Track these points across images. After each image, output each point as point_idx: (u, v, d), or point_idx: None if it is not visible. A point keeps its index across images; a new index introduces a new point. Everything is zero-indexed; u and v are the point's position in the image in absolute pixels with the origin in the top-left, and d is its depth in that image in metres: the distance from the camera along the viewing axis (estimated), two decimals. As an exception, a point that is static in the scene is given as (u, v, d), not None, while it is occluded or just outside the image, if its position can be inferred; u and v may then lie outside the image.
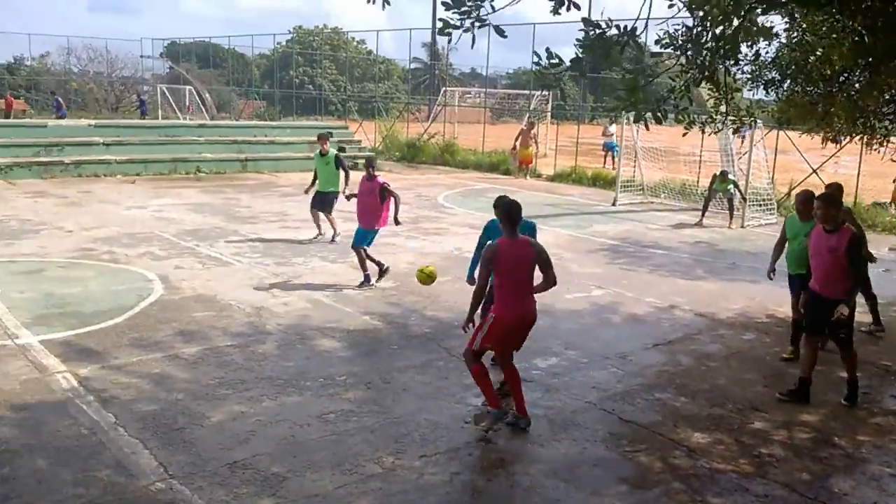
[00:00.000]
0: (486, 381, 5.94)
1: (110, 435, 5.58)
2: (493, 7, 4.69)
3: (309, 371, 7.03)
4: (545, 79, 5.13)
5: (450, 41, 4.78)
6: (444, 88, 38.44)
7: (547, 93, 32.18)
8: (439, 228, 14.58)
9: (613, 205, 18.58)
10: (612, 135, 26.48)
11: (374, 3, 5.03)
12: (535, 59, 5.07)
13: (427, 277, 7.97)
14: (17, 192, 17.49)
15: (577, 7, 5.02)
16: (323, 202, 12.67)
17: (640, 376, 7.32)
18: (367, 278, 9.96)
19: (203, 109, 38.10)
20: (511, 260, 5.71)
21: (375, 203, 9.90)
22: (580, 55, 5.06)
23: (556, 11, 5.05)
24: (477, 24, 4.79)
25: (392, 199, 9.93)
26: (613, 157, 25.31)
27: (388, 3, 4.98)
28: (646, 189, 19.92)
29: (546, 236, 14.07)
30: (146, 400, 6.22)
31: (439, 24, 4.83)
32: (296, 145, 25.80)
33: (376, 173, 10.26)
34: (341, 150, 25.43)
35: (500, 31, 4.89)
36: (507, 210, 5.79)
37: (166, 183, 19.97)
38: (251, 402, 6.29)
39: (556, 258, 11.96)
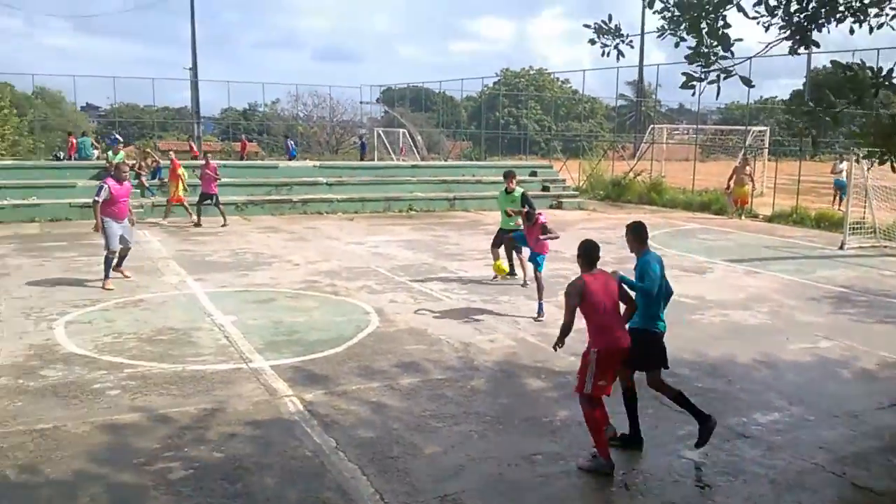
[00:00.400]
0: (600, 428, 5.80)
1: (331, 459, 5.91)
2: (732, 53, 4.55)
3: (516, 410, 7.06)
4: (815, 123, 4.87)
5: (693, 93, 4.66)
6: (651, 126, 37.66)
7: (764, 128, 30.60)
8: (647, 269, 14.17)
9: (841, 248, 17.14)
10: (841, 171, 24.52)
11: (608, 55, 5.07)
12: (798, 103, 4.86)
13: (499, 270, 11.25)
14: (251, 227, 19.23)
15: (816, 45, 4.75)
16: (513, 241, 12.42)
17: (876, 438, 6.64)
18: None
19: (415, 150, 40.00)
20: (598, 292, 5.84)
21: (537, 237, 10.87)
22: (832, 99, 4.76)
23: (794, 52, 4.82)
24: (723, 75, 4.67)
25: (549, 232, 10.85)
26: (841, 197, 23.41)
27: (623, 56, 4.99)
28: (878, 231, 18.20)
29: (763, 281, 13.29)
30: (364, 427, 6.53)
31: (682, 78, 4.75)
32: (501, 184, 26.31)
33: (538, 214, 11.09)
34: (545, 188, 25.66)
35: (747, 82, 4.76)
36: (587, 251, 6.04)
37: (381, 220, 21.10)
38: (461, 436, 6.41)
39: (776, 305, 11.37)
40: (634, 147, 39.80)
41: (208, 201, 19.29)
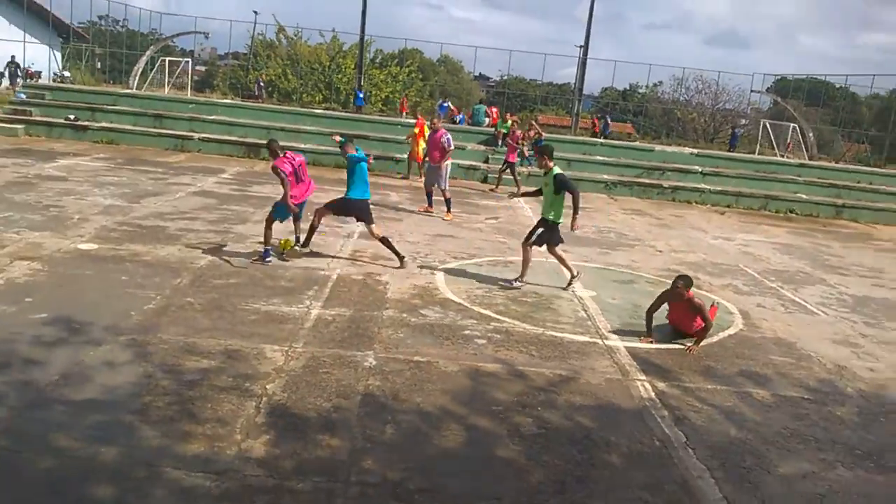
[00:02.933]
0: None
1: (680, 453, 5.76)
2: None
3: (894, 450, 6.23)
4: None
5: None
6: None
7: None
8: None
9: None
10: None
11: None
12: None
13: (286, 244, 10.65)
14: (617, 207, 19.36)
15: None
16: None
17: None
18: None
19: (803, 148, 36.77)
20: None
21: None
22: None
23: None
24: None
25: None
26: None
27: None
28: None
29: None
30: (716, 429, 6.25)
31: None
32: (902, 197, 23.21)
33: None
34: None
35: None
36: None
37: (755, 218, 19.89)
38: (823, 464, 5.84)
39: None
40: None
41: (506, 168, 20.20)
